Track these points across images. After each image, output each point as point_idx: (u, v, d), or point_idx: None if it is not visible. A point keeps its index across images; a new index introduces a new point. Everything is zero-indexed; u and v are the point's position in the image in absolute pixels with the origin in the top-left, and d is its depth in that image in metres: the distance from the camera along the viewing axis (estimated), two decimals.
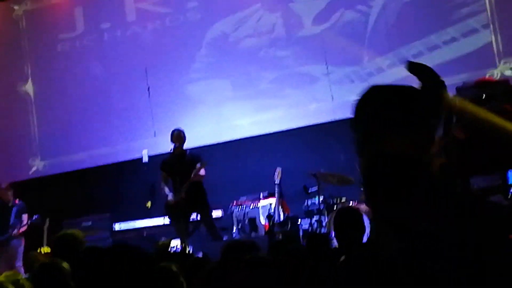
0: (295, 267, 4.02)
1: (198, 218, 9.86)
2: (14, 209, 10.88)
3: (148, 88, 12.40)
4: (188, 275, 4.47)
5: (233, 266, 4.38)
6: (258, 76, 11.80)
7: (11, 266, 10.30)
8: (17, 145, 13.36)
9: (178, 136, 9.83)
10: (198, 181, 9.70)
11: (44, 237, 10.82)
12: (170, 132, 9.93)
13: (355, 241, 5.03)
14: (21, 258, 10.48)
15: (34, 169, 13.30)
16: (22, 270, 10.20)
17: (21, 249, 10.67)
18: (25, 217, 10.83)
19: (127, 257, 3.07)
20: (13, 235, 10.71)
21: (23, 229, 10.76)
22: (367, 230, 5.30)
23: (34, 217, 10.79)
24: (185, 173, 9.61)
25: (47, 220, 11.00)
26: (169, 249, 9.40)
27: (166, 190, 9.77)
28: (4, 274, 5.56)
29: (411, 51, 10.85)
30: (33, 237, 10.83)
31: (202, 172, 9.68)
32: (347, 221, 5.21)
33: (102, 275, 3.19)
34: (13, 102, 13.58)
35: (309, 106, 11.41)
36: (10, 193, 11.09)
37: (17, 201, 11.05)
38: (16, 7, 13.81)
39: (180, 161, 9.77)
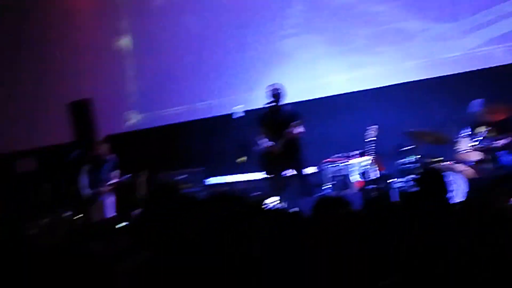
0: (390, 221, 4.02)
1: (292, 174, 9.94)
2: (107, 164, 10.87)
3: (243, 44, 12.46)
4: (281, 229, 4.55)
5: (325, 221, 4.43)
6: (353, 32, 11.64)
7: (99, 211, 10.54)
8: (114, 99, 13.66)
9: (275, 92, 9.92)
10: (295, 138, 9.79)
11: (142, 189, 11.00)
12: (267, 87, 10.00)
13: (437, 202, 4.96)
14: (112, 211, 10.58)
15: (130, 122, 13.61)
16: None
17: (112, 202, 10.69)
18: (116, 173, 10.81)
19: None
20: (103, 190, 10.71)
21: (113, 184, 10.72)
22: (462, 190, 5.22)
23: (126, 176, 10.72)
24: (282, 129, 9.71)
25: (146, 172, 11.16)
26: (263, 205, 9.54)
27: (264, 141, 9.89)
28: None
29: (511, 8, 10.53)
30: (125, 191, 10.89)
31: (299, 129, 9.74)
32: (429, 182, 5.15)
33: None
34: (110, 56, 13.87)
35: (404, 63, 11.22)
36: (105, 147, 11.01)
37: (110, 156, 10.96)
38: None
39: (277, 117, 9.86)
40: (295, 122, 9.66)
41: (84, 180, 10.86)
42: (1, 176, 13.48)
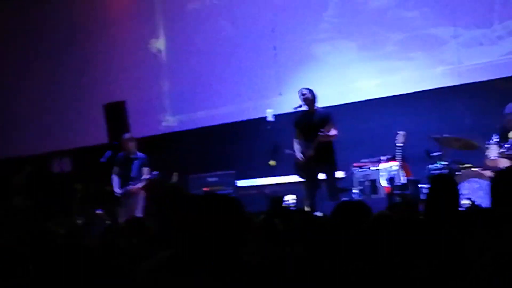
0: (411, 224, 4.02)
1: (323, 177, 9.99)
2: (136, 162, 10.92)
3: (274, 48, 12.56)
4: (301, 231, 4.65)
5: (343, 225, 4.52)
6: (384, 38, 11.68)
7: (128, 210, 10.59)
8: (148, 100, 13.86)
9: (306, 96, 9.99)
10: (327, 141, 9.84)
11: None
12: (299, 91, 10.07)
13: (446, 209, 4.95)
14: (141, 210, 10.66)
15: (164, 124, 13.80)
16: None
17: (142, 201, 10.77)
18: (146, 170, 10.81)
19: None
20: (132, 189, 10.79)
21: (142, 183, 10.77)
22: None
23: (154, 173, 10.71)
24: (314, 132, 9.77)
25: (175, 174, 11.32)
26: (282, 204, 9.67)
27: (296, 148, 9.97)
28: None
29: None
30: (154, 191, 10.93)
31: (333, 132, 9.79)
32: (438, 188, 5.14)
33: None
34: (145, 58, 14.07)
35: (435, 69, 11.21)
36: (132, 145, 11.05)
37: (139, 153, 11.03)
38: None
39: (310, 120, 9.93)
40: (327, 125, 9.71)
41: (114, 179, 11.04)
42: (37, 176, 13.73)
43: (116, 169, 11.02)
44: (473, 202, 7.59)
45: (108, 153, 11.23)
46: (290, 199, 10.60)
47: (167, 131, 13.65)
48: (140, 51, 14.05)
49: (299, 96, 10.02)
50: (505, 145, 9.05)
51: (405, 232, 3.66)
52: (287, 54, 12.47)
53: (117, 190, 10.95)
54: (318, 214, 8.20)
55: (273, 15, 12.68)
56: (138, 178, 10.82)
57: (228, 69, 13.07)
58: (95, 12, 14.55)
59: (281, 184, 11.06)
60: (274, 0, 12.81)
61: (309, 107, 9.99)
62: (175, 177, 11.39)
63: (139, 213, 10.57)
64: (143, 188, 10.81)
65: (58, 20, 15.02)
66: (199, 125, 13.17)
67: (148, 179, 10.72)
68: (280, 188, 11.05)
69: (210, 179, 11.58)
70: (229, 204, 3.17)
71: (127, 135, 11.38)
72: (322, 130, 9.66)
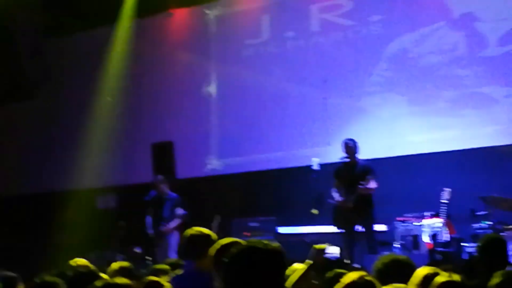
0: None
1: (362, 230, 9.91)
2: (168, 203, 11.15)
3: (325, 98, 12.59)
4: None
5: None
6: (436, 94, 11.64)
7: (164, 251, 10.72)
8: (196, 143, 13.94)
9: (350, 146, 9.97)
10: (367, 194, 9.79)
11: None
12: (342, 141, 10.06)
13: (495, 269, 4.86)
14: (174, 251, 10.70)
15: (209, 167, 13.84)
16: None
17: (175, 242, 10.85)
18: (180, 211, 11.03)
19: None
20: (166, 229, 10.98)
21: (176, 222, 10.98)
22: None
23: (182, 212, 10.94)
24: (355, 183, 9.74)
25: (218, 217, 11.33)
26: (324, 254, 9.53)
27: (336, 195, 9.92)
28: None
29: None
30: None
31: (373, 184, 9.74)
32: (489, 248, 5.06)
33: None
34: (197, 102, 14.19)
35: (486, 128, 11.11)
36: (164, 186, 11.31)
37: (171, 193, 11.26)
38: (208, 12, 14.43)
39: (352, 171, 9.90)
40: (368, 177, 9.67)
41: (148, 219, 11.17)
42: (82, 211, 13.86)
43: (149, 209, 11.16)
44: None
45: (153, 192, 11.37)
46: (333, 250, 10.47)
47: (211, 173, 13.67)
48: (191, 93, 14.19)
49: (342, 146, 10.00)
50: None
51: None
52: (337, 105, 12.47)
53: (149, 231, 11.16)
54: (356, 266, 8.12)
55: (325, 64, 12.73)
56: (170, 219, 11.03)
57: (277, 116, 13.12)
58: (153, 51, 14.72)
59: (322, 233, 10.94)
60: (327, 51, 12.88)
61: (350, 158, 9.96)
62: (216, 220, 11.37)
63: (172, 253, 10.62)
64: (177, 228, 10.92)
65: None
66: (244, 170, 13.18)
67: (181, 218, 10.90)
68: (321, 238, 10.93)
69: (251, 224, 11.53)
70: (275, 258, 3.15)
71: (159, 177, 11.61)
72: (362, 182, 9.62)
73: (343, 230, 10.01)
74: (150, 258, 10.75)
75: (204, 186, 13.17)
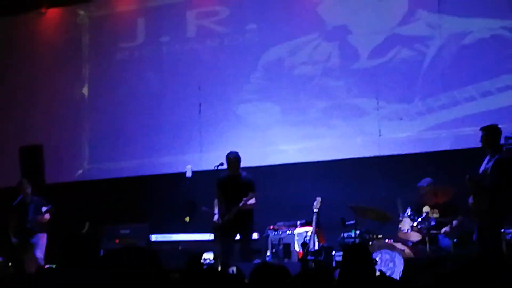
0: None
1: (238, 238, 9.94)
2: (32, 206, 10.98)
3: (200, 104, 12.57)
4: None
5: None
6: (308, 104, 11.86)
7: (32, 257, 10.64)
8: (66, 147, 13.57)
9: (232, 161, 9.94)
10: (247, 209, 9.83)
11: None
12: (226, 155, 10.01)
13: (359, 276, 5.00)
14: (43, 250, 10.75)
15: (80, 172, 13.52)
16: (42, 261, 10.63)
17: (43, 241, 10.85)
18: (44, 208, 10.84)
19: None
20: (41, 219, 10.84)
21: (47, 216, 10.85)
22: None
23: (46, 208, 10.78)
24: (237, 197, 9.74)
25: (87, 224, 11.13)
26: (200, 261, 9.56)
27: (215, 210, 9.91)
28: None
29: (463, 95, 10.87)
30: (56, 233, 11.03)
31: (253, 201, 9.79)
32: (352, 256, 5.20)
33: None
34: (68, 104, 13.82)
35: (355, 138, 11.44)
36: (28, 189, 11.13)
37: (34, 197, 11.12)
38: (81, 12, 14.10)
39: (234, 184, 9.89)
40: (250, 195, 9.72)
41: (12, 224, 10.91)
42: None
43: (13, 215, 11.02)
44: (382, 272, 7.64)
45: (21, 197, 11.04)
46: (208, 257, 10.47)
47: (82, 178, 13.36)
48: (63, 95, 13.79)
49: (225, 159, 9.97)
50: (418, 219, 9.21)
51: None
52: (211, 112, 12.48)
53: (15, 235, 10.98)
54: (231, 271, 8.16)
55: (201, 71, 12.71)
56: (36, 221, 10.87)
57: (151, 121, 12.96)
58: (22, 52, 14.25)
59: (195, 241, 10.89)
60: (202, 57, 12.87)
61: (233, 171, 9.96)
62: (86, 227, 11.16)
63: (40, 253, 10.74)
64: (45, 225, 10.89)
65: None
66: (117, 175, 12.95)
67: (48, 210, 10.76)
68: (193, 245, 10.90)
69: (122, 231, 11.33)
70: (148, 258, 3.10)
71: (23, 180, 11.39)
72: (245, 199, 9.66)
73: (222, 241, 9.96)
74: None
75: (74, 191, 12.80)
